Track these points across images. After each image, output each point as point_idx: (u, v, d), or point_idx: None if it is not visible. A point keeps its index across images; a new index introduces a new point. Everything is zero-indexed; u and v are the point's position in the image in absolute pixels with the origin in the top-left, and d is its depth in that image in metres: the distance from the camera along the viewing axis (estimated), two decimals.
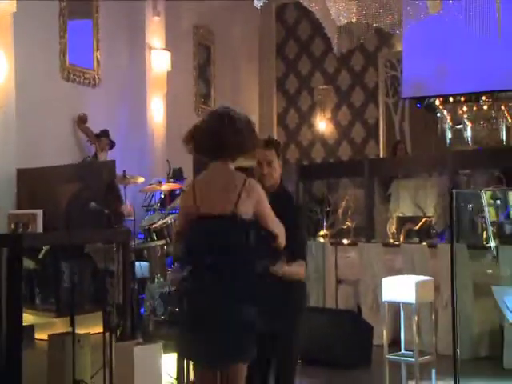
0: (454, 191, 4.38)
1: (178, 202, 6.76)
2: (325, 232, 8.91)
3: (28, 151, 7.03)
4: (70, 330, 5.02)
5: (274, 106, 12.77)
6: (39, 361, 5.26)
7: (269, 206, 3.38)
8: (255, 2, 5.13)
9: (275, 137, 12.43)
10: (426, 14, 6.49)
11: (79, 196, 6.21)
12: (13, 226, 4.97)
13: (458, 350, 4.58)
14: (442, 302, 6.69)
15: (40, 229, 4.97)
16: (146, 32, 9.36)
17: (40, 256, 6.43)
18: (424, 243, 7.68)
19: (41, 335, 6.02)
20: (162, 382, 5.14)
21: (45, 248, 6.35)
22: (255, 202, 3.31)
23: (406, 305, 5.68)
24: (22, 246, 4.95)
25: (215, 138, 3.41)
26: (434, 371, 5.48)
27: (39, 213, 5.01)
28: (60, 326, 5.98)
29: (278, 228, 3.39)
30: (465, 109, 10.97)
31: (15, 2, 6.60)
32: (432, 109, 11.16)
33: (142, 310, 6.18)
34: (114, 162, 6.35)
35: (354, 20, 6.60)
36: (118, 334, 5.22)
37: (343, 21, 6.33)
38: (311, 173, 10.48)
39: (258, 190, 3.36)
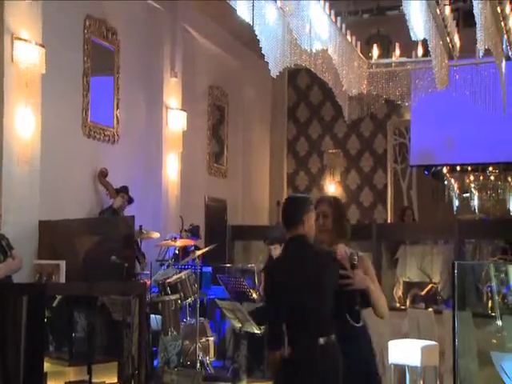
0: (455, 262, 4.62)
1: (192, 257, 6.92)
2: None
3: (49, 203, 7.21)
4: (83, 378, 5.16)
5: (285, 167, 13.09)
6: None
7: None
8: (271, 72, 5.39)
9: (284, 197, 12.71)
10: (433, 89, 6.76)
11: (98, 249, 6.41)
12: (37, 276, 5.15)
13: None
14: (447, 367, 6.80)
15: (63, 279, 5.16)
16: (164, 92, 9.68)
17: (54, 304, 6.54)
18: (430, 309, 7.82)
19: (53, 383, 6.08)
20: None
21: (58, 297, 6.47)
22: None
23: (412, 368, 5.82)
24: (45, 296, 5.12)
25: None
26: None
27: (62, 264, 5.22)
28: (72, 374, 6.05)
29: None
30: (472, 178, 11.23)
31: (44, 64, 6.88)
32: (439, 176, 11.43)
33: (155, 362, 6.32)
34: (133, 217, 6.57)
35: (364, 91, 6.88)
36: None
37: (354, 92, 6.60)
38: None
39: None
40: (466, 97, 7.68)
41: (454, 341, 4.70)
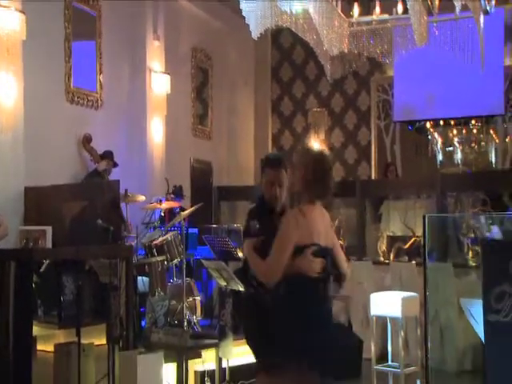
0: (426, 215, 4.75)
1: (178, 219, 7.02)
2: None
3: (34, 170, 7.28)
4: (72, 340, 5.29)
5: (269, 127, 13.14)
6: (42, 371, 5.38)
7: None
8: (252, 33, 5.44)
9: None
10: (414, 46, 6.81)
11: (84, 214, 6.52)
12: (24, 242, 5.25)
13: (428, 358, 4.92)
14: (429, 318, 6.99)
15: (49, 244, 5.27)
16: (147, 56, 9.68)
17: (42, 269, 6.64)
18: (413, 262, 8.00)
19: (42, 346, 6.16)
20: None
21: (46, 262, 6.57)
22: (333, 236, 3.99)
23: (393, 319, 6.00)
24: (32, 261, 5.23)
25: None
26: (418, 382, 5.77)
27: (49, 229, 5.32)
28: (62, 337, 6.18)
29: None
30: (455, 132, 11.34)
31: (25, 30, 6.89)
32: (423, 131, 11.54)
33: (142, 322, 6.47)
34: (118, 181, 6.66)
35: (345, 50, 6.92)
36: (121, 344, 5.47)
37: (335, 51, 6.64)
38: None
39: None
40: (448, 52, 7.74)
41: (424, 291, 4.87)
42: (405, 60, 8.66)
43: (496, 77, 10.04)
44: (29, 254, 5.25)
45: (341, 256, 3.97)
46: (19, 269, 5.04)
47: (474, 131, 11.24)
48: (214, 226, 9.74)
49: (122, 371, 5.18)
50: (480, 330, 4.62)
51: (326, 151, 4.16)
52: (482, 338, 4.60)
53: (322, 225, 3.80)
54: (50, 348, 5.60)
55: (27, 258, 5.17)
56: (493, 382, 4.45)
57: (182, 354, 5.65)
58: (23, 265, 5.08)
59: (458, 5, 5.94)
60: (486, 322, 4.40)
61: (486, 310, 4.45)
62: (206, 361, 5.88)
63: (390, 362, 6.02)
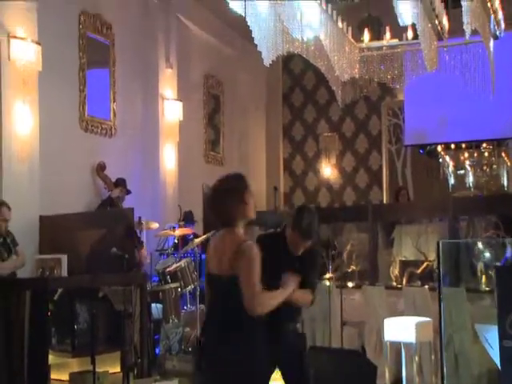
0: (440, 241, 4.75)
1: (191, 246, 7.07)
2: (330, 275, 9.16)
3: (49, 198, 7.35)
4: (87, 368, 5.32)
5: (281, 152, 13.21)
6: None
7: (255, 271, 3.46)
8: (264, 61, 5.50)
9: (281, 182, 12.85)
10: (424, 71, 6.86)
11: (98, 242, 6.57)
12: (40, 271, 5.31)
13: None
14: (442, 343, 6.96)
15: (65, 273, 5.32)
16: (159, 83, 9.81)
17: (55, 297, 6.68)
18: (426, 286, 7.97)
19: (56, 375, 6.14)
20: None
21: (60, 290, 6.60)
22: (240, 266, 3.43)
23: (407, 344, 5.98)
24: (48, 290, 5.27)
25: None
26: None
27: (64, 258, 5.37)
28: (76, 365, 6.20)
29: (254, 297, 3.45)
30: (466, 155, 11.36)
31: (41, 61, 7.00)
32: (434, 155, 11.56)
33: (157, 350, 6.49)
34: (132, 209, 6.72)
35: (356, 75, 6.99)
36: (136, 372, 5.50)
37: (346, 77, 6.70)
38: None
39: (247, 255, 3.45)
40: (458, 76, 7.78)
41: (440, 316, 4.86)
42: (415, 84, 8.71)
43: (507, 100, 10.07)
44: (44, 283, 5.31)
45: (245, 284, 3.44)
46: (34, 298, 5.09)
47: (486, 154, 11.26)
48: None
49: None
50: (496, 355, 4.61)
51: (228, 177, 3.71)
52: (498, 364, 4.59)
53: (215, 251, 3.63)
54: (65, 377, 5.64)
55: (42, 287, 5.22)
56: None
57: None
58: (38, 294, 5.14)
59: (467, 29, 5.99)
60: (502, 348, 4.39)
61: (502, 335, 4.45)
62: None
63: None
